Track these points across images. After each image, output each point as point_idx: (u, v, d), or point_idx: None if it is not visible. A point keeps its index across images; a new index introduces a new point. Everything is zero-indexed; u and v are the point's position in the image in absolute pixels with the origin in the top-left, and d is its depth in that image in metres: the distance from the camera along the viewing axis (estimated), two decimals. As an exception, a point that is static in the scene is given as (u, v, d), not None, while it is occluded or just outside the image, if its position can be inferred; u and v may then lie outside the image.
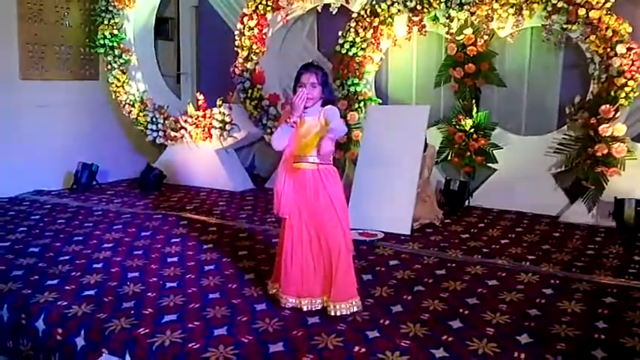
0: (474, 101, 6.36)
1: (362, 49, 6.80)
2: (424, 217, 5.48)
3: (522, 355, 2.85)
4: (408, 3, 6.50)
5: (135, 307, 3.47)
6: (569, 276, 4.08)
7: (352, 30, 6.78)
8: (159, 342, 2.99)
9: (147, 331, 3.12)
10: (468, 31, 6.26)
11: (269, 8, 7.25)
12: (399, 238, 5.06)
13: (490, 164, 6.30)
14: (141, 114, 8.03)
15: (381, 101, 6.97)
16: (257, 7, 7.22)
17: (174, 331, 3.11)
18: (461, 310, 3.44)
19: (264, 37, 7.42)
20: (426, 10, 6.43)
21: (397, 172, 5.35)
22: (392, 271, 4.18)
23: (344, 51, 6.82)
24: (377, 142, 5.59)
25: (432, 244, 4.91)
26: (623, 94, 5.49)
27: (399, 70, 7.23)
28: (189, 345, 2.96)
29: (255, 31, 7.35)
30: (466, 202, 6.20)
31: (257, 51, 7.41)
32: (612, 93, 5.52)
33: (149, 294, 3.70)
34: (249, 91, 7.36)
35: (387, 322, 3.26)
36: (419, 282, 3.96)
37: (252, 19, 7.29)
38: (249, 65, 7.39)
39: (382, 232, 5.12)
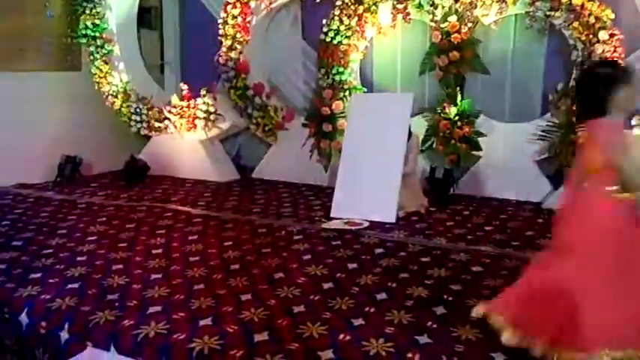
0: (458, 89, 6.36)
1: (347, 37, 6.77)
2: (409, 205, 5.50)
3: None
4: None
5: (119, 299, 3.46)
6: (552, 262, 4.13)
7: (337, 18, 6.75)
8: (144, 333, 2.99)
9: (131, 322, 3.11)
10: (453, 18, 6.25)
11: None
12: (384, 226, 5.08)
13: (475, 152, 6.32)
14: (124, 105, 7.95)
15: (366, 90, 6.95)
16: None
17: (159, 322, 3.10)
18: (445, 297, 3.47)
19: (248, 25, 7.37)
20: (411, -4, 6.41)
21: (382, 161, 5.36)
22: (377, 259, 4.20)
23: (329, 39, 6.79)
24: (361, 131, 5.59)
25: (417, 232, 4.94)
26: (605, 81, 5.52)
27: (384, 59, 7.20)
28: (174, 336, 2.96)
29: (239, 19, 7.29)
30: (451, 190, 6.23)
31: (241, 40, 7.35)
32: (595, 80, 5.55)
33: (134, 286, 3.69)
34: (234, 80, 7.32)
35: (372, 310, 3.28)
36: (404, 269, 3.98)
37: (236, 7, 7.22)
38: (233, 54, 7.33)
39: (368, 220, 5.14)
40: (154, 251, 4.44)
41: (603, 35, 5.53)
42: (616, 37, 5.53)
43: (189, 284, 3.71)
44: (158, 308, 3.32)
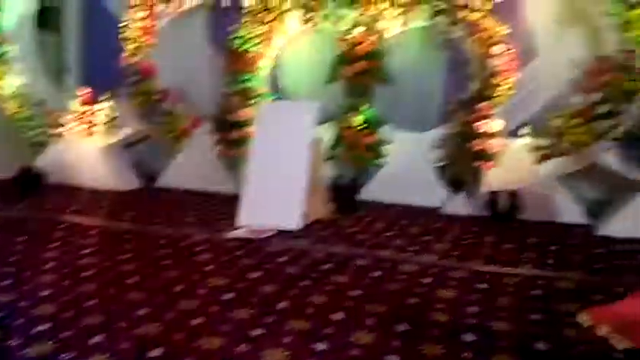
0: (363, 98, 6.53)
1: (255, 44, 6.77)
2: (314, 212, 5.56)
3: (399, 343, 2.97)
4: (300, 0, 6.55)
5: (3, 318, 3.21)
6: (447, 265, 4.32)
7: (245, 25, 6.72)
8: (29, 353, 2.79)
9: (18, 342, 2.90)
10: (358, 30, 6.42)
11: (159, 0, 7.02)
12: (289, 234, 5.09)
13: (379, 159, 6.51)
14: (20, 109, 7.47)
15: (275, 97, 6.97)
16: (146, -1, 6.97)
17: (46, 341, 2.92)
18: (345, 303, 3.52)
19: (153, 29, 7.17)
20: (318, 7, 6.51)
21: (288, 169, 5.38)
22: (280, 268, 4.20)
23: (237, 46, 6.75)
24: (268, 139, 5.59)
25: (321, 239, 4.99)
26: (499, 93, 5.88)
27: (294, 67, 7.27)
28: (62, 356, 2.79)
29: (144, 23, 7.09)
30: (356, 197, 6.37)
31: (146, 44, 7.14)
32: (490, 91, 5.89)
33: (21, 303, 3.45)
34: (138, 85, 7.09)
35: (271, 320, 3.27)
36: (306, 277, 4.00)
37: (141, 10, 7.01)
38: (137, 58, 7.10)
39: (274, 228, 5.13)
40: (44, 266, 4.17)
41: (498, 50, 5.88)
42: (510, 52, 5.90)
43: (80, 301, 3.52)
44: (46, 327, 3.12)
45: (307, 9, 6.55)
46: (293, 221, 5.24)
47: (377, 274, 4.09)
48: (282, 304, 3.50)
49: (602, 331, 2.95)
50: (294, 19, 6.71)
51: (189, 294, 3.63)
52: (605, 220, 5.45)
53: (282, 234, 5.06)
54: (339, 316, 3.33)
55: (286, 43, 6.90)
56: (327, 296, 3.63)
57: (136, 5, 7.02)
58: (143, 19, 7.10)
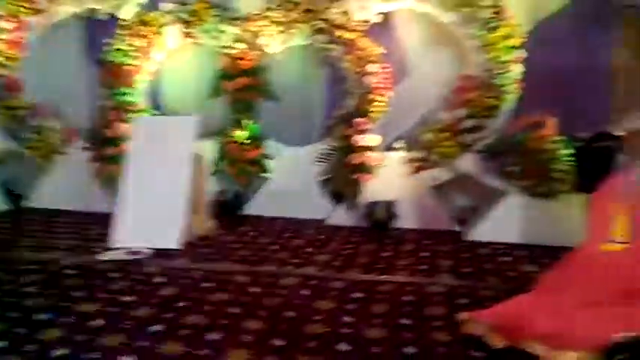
0: (247, 113, 6.54)
1: (133, 58, 6.55)
2: (196, 229, 5.46)
3: (274, 358, 2.98)
4: (180, 14, 6.45)
5: None
6: (326, 276, 4.42)
7: (123, 38, 6.49)
8: None
9: None
10: (240, 45, 6.43)
11: (28, 11, 6.59)
12: (168, 253, 4.95)
13: (263, 174, 6.54)
14: None
15: (155, 112, 6.78)
16: (14, 9, 6.51)
17: None
18: (222, 322, 3.48)
19: (21, 41, 6.71)
20: (197, 22, 6.45)
21: (166, 186, 5.24)
22: (156, 290, 4.06)
23: (114, 60, 6.50)
24: (144, 155, 5.41)
25: (202, 257, 4.91)
26: (375, 109, 6.14)
27: (175, 81, 7.10)
28: None
29: (11, 35, 6.62)
30: (240, 212, 6.35)
31: (13, 57, 6.67)
32: (366, 107, 6.13)
33: None
34: (4, 100, 6.59)
35: (144, 344, 3.15)
36: (184, 297, 3.91)
37: (7, 21, 6.54)
38: (3, 72, 6.61)
39: (151, 248, 4.96)
40: None
41: (373, 68, 6.14)
42: (384, 70, 6.17)
43: None
44: None
45: (187, 23, 6.45)
46: (172, 240, 5.10)
47: (257, 289, 4.09)
48: (155, 328, 3.39)
49: (479, 330, 3.19)
50: (173, 33, 6.58)
51: (54, 323, 3.41)
52: (473, 226, 5.87)
53: (160, 254, 4.91)
54: (215, 335, 3.28)
55: (166, 57, 6.74)
56: (204, 316, 3.57)
57: (1, 16, 6.53)
58: (10, 31, 6.63)
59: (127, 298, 3.86)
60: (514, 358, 3.04)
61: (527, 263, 4.89)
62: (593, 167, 3.02)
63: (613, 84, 6.29)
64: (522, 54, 5.65)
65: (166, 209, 5.17)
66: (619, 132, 3.38)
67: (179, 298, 3.90)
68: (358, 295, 4.02)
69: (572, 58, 5.97)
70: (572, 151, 3.24)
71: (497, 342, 3.16)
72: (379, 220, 5.92)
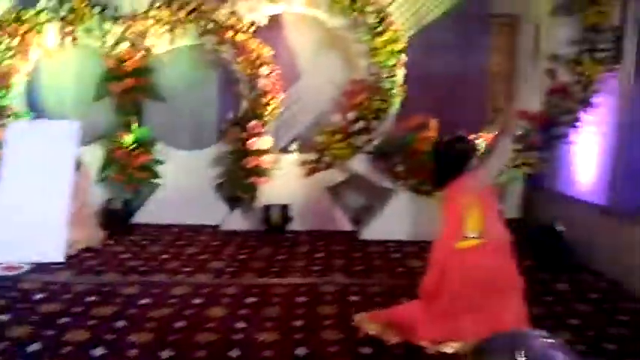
0: (134, 117, 6.30)
1: (8, 58, 6.09)
2: (82, 240, 5.17)
3: (162, 371, 2.90)
4: (58, 11, 6.08)
5: None
6: (220, 283, 4.36)
7: (-4, 36, 6.02)
8: None
9: None
10: (124, 45, 6.17)
11: None
12: (50, 267, 4.65)
13: (154, 180, 6.32)
14: None
15: (33, 116, 6.33)
16: None
17: None
18: (106, 337, 3.33)
19: None
20: (78, 20, 6.11)
21: (46, 195, 4.92)
22: (36, 307, 3.80)
23: (-13, 60, 6.00)
24: (21, 162, 5.04)
25: (88, 270, 4.65)
26: (268, 111, 6.13)
27: (55, 83, 6.66)
28: None
29: None
30: (129, 221, 6.10)
31: None
32: (259, 110, 6.11)
33: None
34: None
35: (19, 366, 2.94)
36: (66, 313, 3.69)
37: None
38: None
39: (31, 262, 4.63)
40: None
41: (264, 70, 6.13)
42: (275, 73, 6.18)
43: None
44: None
45: (66, 22, 6.09)
46: (55, 253, 4.80)
47: (146, 300, 3.95)
48: (33, 347, 3.17)
49: (374, 330, 3.28)
50: (52, 32, 6.19)
51: None
52: (365, 226, 6.05)
53: (41, 268, 4.60)
54: (98, 351, 3.13)
55: (44, 57, 6.31)
56: (87, 331, 3.39)
57: None
58: None
59: (2, 317, 3.58)
60: (401, 353, 3.18)
61: (416, 259, 5.12)
62: (446, 167, 3.25)
63: (490, 87, 6.79)
64: (405, 58, 5.90)
65: (47, 220, 4.85)
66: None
67: (61, 314, 3.68)
68: (252, 299, 4.01)
69: (452, 62, 6.36)
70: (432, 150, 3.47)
71: (392, 338, 3.27)
72: (275, 224, 5.94)
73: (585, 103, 5.37)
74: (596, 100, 5.32)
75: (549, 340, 0.95)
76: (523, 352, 0.88)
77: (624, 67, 4.80)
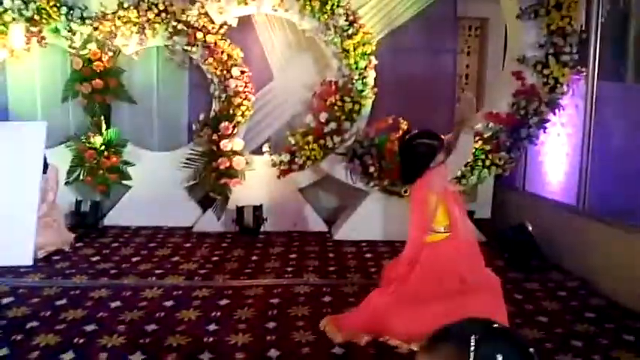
0: (103, 118, 6.20)
1: (-29, 57, 5.94)
2: (50, 243, 5.07)
3: (132, 375, 2.87)
4: (23, 12, 5.95)
5: None
6: (192, 285, 4.33)
7: (-43, 36, 5.86)
8: None
9: None
10: (92, 46, 6.07)
11: None
12: (18, 270, 4.55)
13: (125, 181, 6.24)
14: None
15: (1, 117, 6.18)
16: None
17: None
18: (76, 340, 3.28)
19: None
20: (45, 20, 5.99)
21: (13, 197, 4.82)
22: (4, 311, 3.72)
23: (-53, 59, 5.84)
24: (-14, 165, 4.93)
25: (57, 273, 4.57)
26: (240, 113, 6.11)
27: (21, 84, 6.51)
28: None
29: None
30: (100, 223, 6.01)
31: None
32: (231, 111, 6.09)
33: None
34: None
35: (-17, 373, 2.88)
36: (34, 318, 3.62)
37: None
38: None
39: (-3, 266, 4.54)
40: None
41: (235, 71, 6.11)
42: (246, 74, 6.17)
43: None
44: None
45: (33, 22, 5.97)
46: (23, 256, 4.70)
47: (117, 304, 3.90)
48: (1, 352, 3.11)
49: (341, 338, 3.35)
50: (18, 31, 6.05)
51: None
52: (338, 226, 6.08)
53: (9, 272, 4.50)
54: (68, 356, 3.08)
55: (9, 57, 6.17)
56: (57, 336, 3.34)
57: None
58: None
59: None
60: (373, 353, 3.21)
61: (389, 258, 5.16)
62: (412, 162, 3.30)
63: (457, 88, 6.90)
64: (376, 60, 5.95)
65: (15, 223, 4.75)
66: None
67: (29, 318, 3.61)
68: (224, 302, 4.00)
69: (422, 64, 6.45)
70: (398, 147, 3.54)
71: (362, 339, 3.31)
72: (248, 225, 5.92)
73: (553, 105, 5.50)
74: (563, 101, 5.46)
75: (505, 332, 0.98)
76: (478, 337, 0.91)
77: (589, 69, 4.93)
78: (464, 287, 3.20)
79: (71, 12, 5.99)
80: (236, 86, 6.10)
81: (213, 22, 5.99)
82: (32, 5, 5.88)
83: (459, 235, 3.24)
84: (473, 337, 0.90)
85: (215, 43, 6.06)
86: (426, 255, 3.23)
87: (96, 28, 6.03)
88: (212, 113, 6.25)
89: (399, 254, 3.58)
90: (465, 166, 5.31)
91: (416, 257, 3.24)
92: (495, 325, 0.97)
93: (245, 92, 6.16)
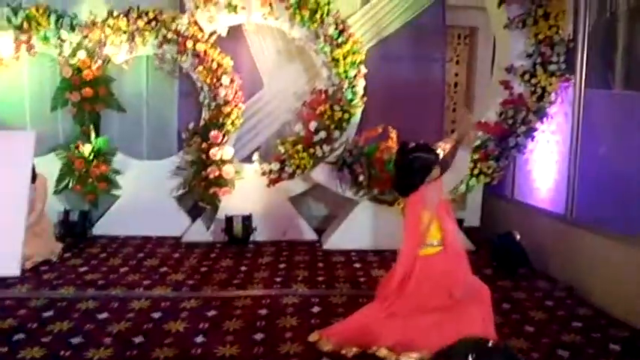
0: (92, 126, 6.18)
1: (-41, 66, 5.91)
2: (38, 253, 5.03)
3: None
4: (12, 19, 5.94)
5: None
6: (180, 296, 4.31)
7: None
8: None
9: None
10: (82, 54, 6.06)
11: None
12: (5, 281, 4.51)
13: (114, 191, 6.21)
14: None
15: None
16: None
17: None
18: (62, 353, 3.25)
19: None
20: (34, 29, 5.97)
21: (1, 207, 4.76)
22: (-13, 323, 3.69)
23: None
24: (-27, 175, 4.88)
25: (44, 284, 4.54)
26: (229, 121, 6.10)
27: (10, 93, 6.47)
28: None
29: None
30: (88, 233, 5.98)
31: None
32: (221, 120, 6.08)
33: None
34: None
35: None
36: (21, 329, 3.59)
37: None
38: None
39: (-18, 277, 4.49)
40: None
41: (225, 80, 6.10)
42: (236, 82, 6.16)
43: None
44: None
45: (22, 30, 5.94)
46: (10, 267, 4.63)
47: (104, 315, 3.87)
48: (-17, 367, 3.08)
49: (329, 347, 3.35)
50: (7, 39, 6.03)
51: None
52: (328, 235, 6.08)
53: (-5, 283, 4.47)
54: (52, 369, 3.06)
55: (0, 65, 6.14)
56: (43, 348, 3.31)
57: None
58: None
59: (-51, 337, 3.46)
60: (360, 362, 3.21)
61: (377, 268, 5.18)
62: (408, 176, 3.31)
63: (446, 96, 6.95)
64: (365, 69, 5.98)
65: (2, 233, 4.67)
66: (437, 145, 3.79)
67: (15, 330, 3.58)
68: (213, 312, 3.98)
69: (411, 73, 6.48)
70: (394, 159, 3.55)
71: (350, 351, 3.31)
72: (237, 235, 5.91)
73: (540, 114, 5.54)
74: (551, 109, 5.50)
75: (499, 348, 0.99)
76: (475, 356, 0.92)
77: (577, 78, 4.97)
78: (452, 302, 3.21)
79: (61, 20, 5.98)
80: (226, 95, 6.10)
81: (202, 31, 6.00)
82: (21, 13, 5.88)
83: (450, 249, 3.26)
84: (470, 356, 0.92)
85: (205, 52, 6.06)
86: (420, 268, 3.25)
87: (85, 37, 6.02)
88: (202, 122, 6.24)
89: (391, 270, 3.58)
90: None
91: (409, 271, 3.26)
92: (490, 344, 0.98)
93: (235, 101, 6.15)
